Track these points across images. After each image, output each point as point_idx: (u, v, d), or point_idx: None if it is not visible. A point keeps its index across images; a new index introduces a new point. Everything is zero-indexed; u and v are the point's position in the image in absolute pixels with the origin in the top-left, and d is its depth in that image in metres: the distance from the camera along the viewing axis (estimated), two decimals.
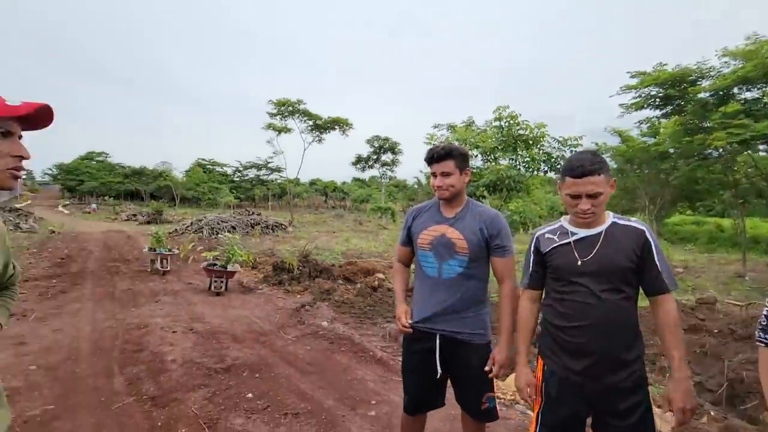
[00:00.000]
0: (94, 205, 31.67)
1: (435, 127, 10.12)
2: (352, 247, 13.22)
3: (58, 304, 5.39)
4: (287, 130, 25.89)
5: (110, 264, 8.46)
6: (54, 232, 14.17)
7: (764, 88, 8.02)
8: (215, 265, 6.58)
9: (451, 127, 9.51)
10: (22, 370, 3.32)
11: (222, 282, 6.38)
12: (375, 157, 41.01)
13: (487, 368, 1.76)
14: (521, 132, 6.48)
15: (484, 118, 7.91)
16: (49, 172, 45.10)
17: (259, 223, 17.46)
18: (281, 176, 42.91)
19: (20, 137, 1.03)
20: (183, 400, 2.92)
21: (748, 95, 8.25)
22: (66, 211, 25.79)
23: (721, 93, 8.25)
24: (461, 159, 1.77)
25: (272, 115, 25.12)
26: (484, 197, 7.51)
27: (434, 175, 1.77)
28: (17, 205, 22.03)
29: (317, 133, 26.58)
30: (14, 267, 1.23)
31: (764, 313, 1.13)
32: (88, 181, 40.85)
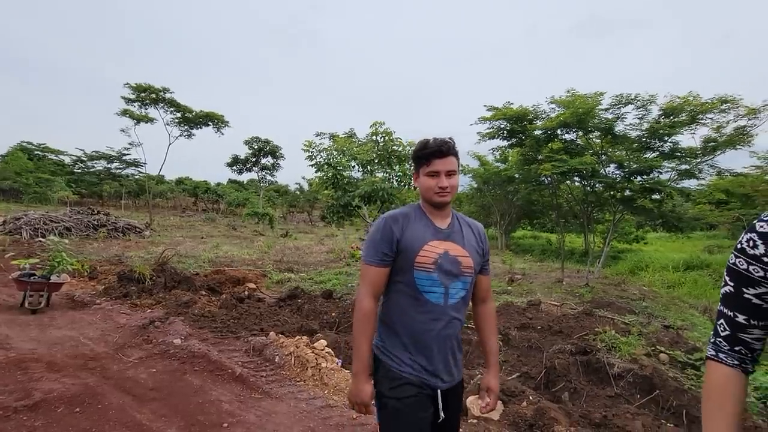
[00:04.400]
0: None
1: (317, 135, 10.11)
2: (222, 254, 12.17)
3: None
4: (149, 119, 22.56)
5: None
6: None
7: (578, 132, 10.19)
8: (32, 275, 5.31)
9: (333, 137, 9.62)
10: None
11: (41, 297, 5.18)
12: (254, 159, 38.73)
13: (483, 404, 1.54)
14: (395, 148, 6.91)
15: (366, 131, 8.21)
16: None
17: (105, 225, 14.78)
18: (139, 171, 37.18)
19: None
20: None
21: (567, 136, 10.40)
22: None
23: (549, 132, 10.22)
24: None
25: (129, 101, 21.60)
26: (360, 207, 7.74)
27: (433, 174, 1.44)
28: None
29: (186, 126, 23.86)
30: None
31: (717, 327, 0.94)
32: None
